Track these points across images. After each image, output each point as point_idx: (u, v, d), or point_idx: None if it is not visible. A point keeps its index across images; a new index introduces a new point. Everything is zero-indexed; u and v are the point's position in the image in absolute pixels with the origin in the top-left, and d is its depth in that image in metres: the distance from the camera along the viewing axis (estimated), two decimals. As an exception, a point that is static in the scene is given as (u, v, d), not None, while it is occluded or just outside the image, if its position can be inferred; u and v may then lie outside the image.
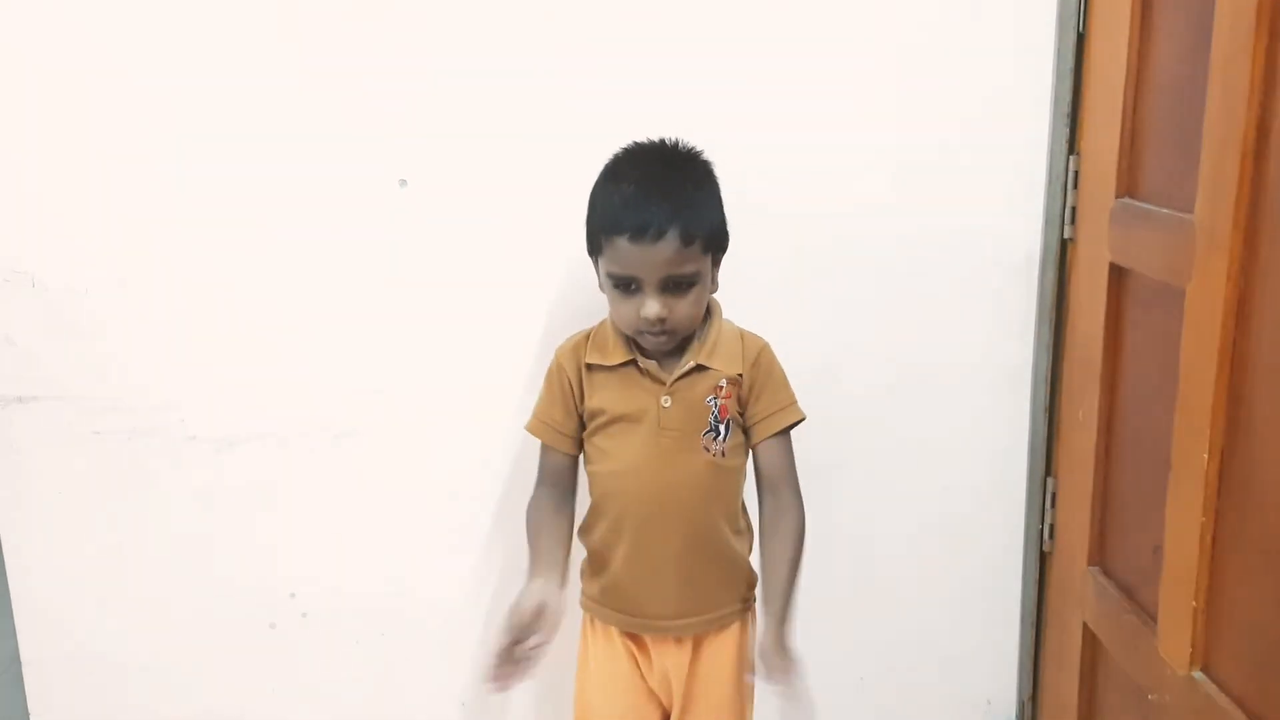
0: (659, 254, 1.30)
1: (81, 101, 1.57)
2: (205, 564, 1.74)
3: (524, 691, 1.81)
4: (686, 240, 1.31)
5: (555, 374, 1.47)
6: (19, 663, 1.76)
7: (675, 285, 1.33)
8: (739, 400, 1.41)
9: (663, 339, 1.36)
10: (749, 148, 1.61)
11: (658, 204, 1.30)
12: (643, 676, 1.49)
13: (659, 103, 1.56)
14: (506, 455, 1.71)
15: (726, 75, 1.62)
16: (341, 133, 1.60)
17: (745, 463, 1.46)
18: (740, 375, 1.40)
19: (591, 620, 1.51)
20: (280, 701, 1.81)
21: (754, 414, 1.42)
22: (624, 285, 1.34)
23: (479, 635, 1.80)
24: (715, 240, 1.38)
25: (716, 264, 1.41)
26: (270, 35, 1.57)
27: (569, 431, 1.46)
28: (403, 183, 1.62)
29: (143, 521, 1.71)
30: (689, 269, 1.33)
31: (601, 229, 1.34)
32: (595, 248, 1.38)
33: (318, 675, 1.80)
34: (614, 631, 1.48)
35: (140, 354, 1.66)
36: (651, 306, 1.32)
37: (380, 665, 1.81)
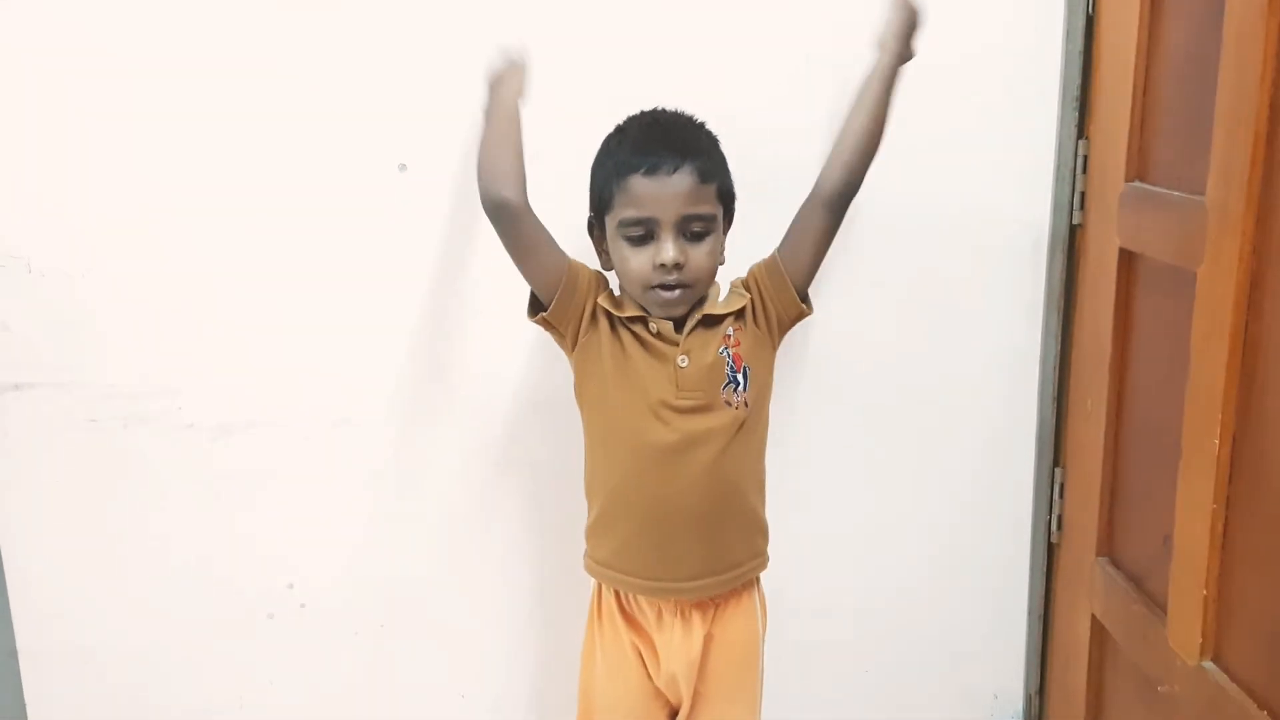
0: (676, 188, 1.28)
1: (76, 85, 1.55)
2: (202, 553, 1.72)
3: (528, 684, 1.82)
4: (703, 176, 1.30)
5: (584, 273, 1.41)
6: (15, 653, 1.74)
7: (692, 231, 1.31)
8: (763, 310, 1.39)
9: (676, 295, 1.32)
10: (754, 134, 1.59)
11: (672, 140, 1.32)
12: (649, 676, 1.46)
13: (663, 85, 1.54)
14: (505, 443, 1.70)
15: (731, 59, 1.60)
16: (340, 117, 1.59)
17: (767, 414, 1.44)
18: (750, 300, 1.38)
19: (598, 610, 1.47)
20: (278, 692, 1.79)
21: (786, 258, 1.39)
22: (638, 236, 1.31)
23: (478, 626, 1.79)
24: (726, 193, 1.37)
25: (725, 229, 1.39)
26: (268, 18, 1.55)
27: (570, 277, 1.38)
28: (402, 167, 1.61)
29: (139, 510, 1.70)
30: (705, 210, 1.31)
31: (614, 176, 1.32)
32: (604, 205, 1.35)
33: (316, 666, 1.79)
34: (621, 628, 1.44)
35: (137, 341, 1.64)
36: (668, 249, 1.29)
37: (379, 656, 1.79)
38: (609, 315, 1.37)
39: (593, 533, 1.46)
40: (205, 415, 1.67)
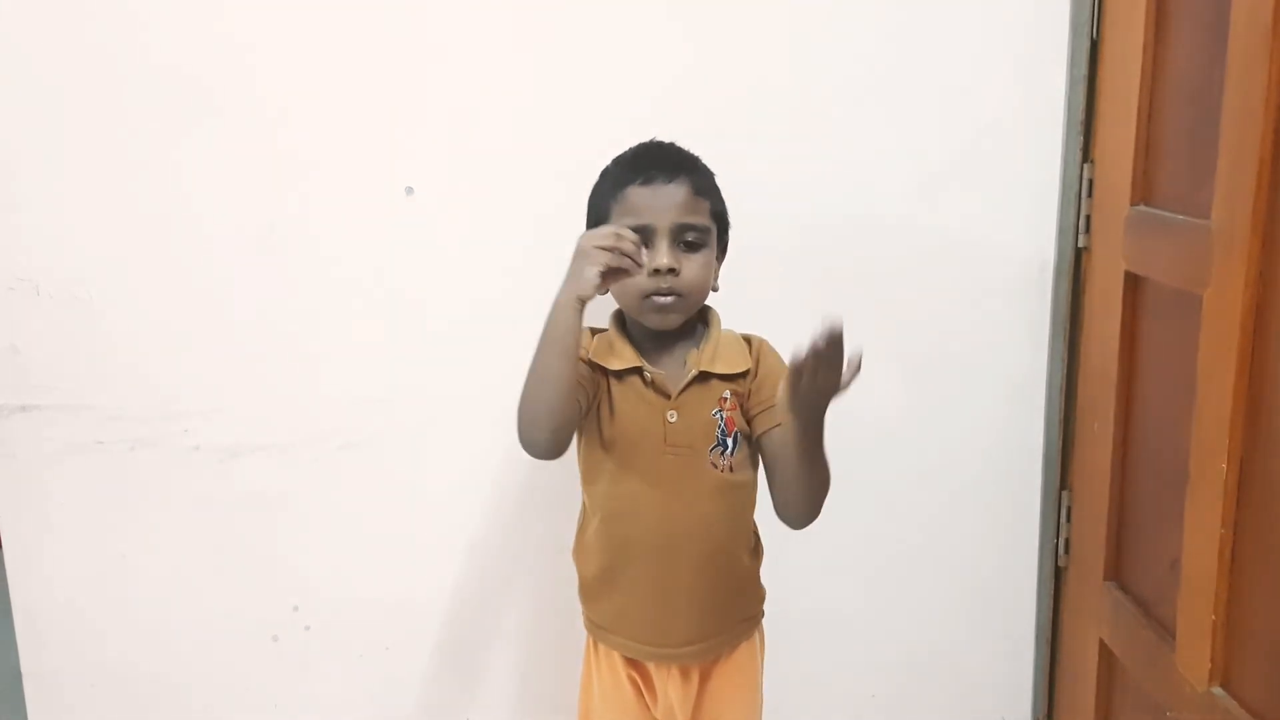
0: (671, 197, 1.29)
1: (85, 108, 1.56)
2: (208, 575, 1.72)
3: (533, 707, 1.81)
4: (697, 190, 1.31)
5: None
6: (19, 675, 1.74)
7: (686, 241, 1.30)
8: (742, 406, 1.36)
9: (669, 302, 1.30)
10: (761, 156, 1.60)
11: (668, 156, 1.33)
12: (648, 707, 1.44)
13: (669, 109, 1.55)
14: (511, 466, 1.70)
15: (738, 83, 1.61)
16: (347, 140, 1.60)
17: (755, 477, 1.41)
18: (747, 371, 1.35)
19: (595, 644, 1.45)
20: (283, 715, 1.79)
21: (755, 404, 1.35)
22: None
23: (484, 649, 1.78)
24: (721, 215, 1.36)
25: (719, 257, 1.38)
26: (276, 43, 1.57)
27: (586, 379, 1.33)
28: (409, 190, 1.61)
29: (145, 532, 1.70)
30: (700, 221, 1.31)
31: (610, 192, 1.33)
32: (601, 223, 1.32)
33: (321, 689, 1.78)
34: (618, 659, 1.42)
35: (144, 364, 1.65)
36: (662, 256, 1.27)
37: (384, 679, 1.79)
38: (604, 370, 1.35)
39: (584, 595, 1.44)
40: (211, 438, 1.68)
